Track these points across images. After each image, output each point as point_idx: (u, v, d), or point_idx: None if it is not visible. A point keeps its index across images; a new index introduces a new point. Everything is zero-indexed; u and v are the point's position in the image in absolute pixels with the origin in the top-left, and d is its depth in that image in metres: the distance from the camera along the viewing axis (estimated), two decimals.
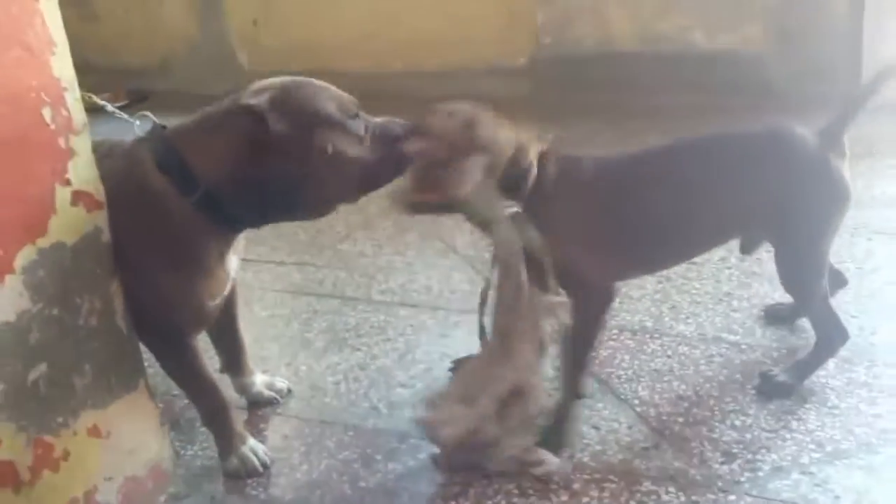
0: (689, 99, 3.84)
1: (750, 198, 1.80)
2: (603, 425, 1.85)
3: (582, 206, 1.76)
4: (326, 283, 2.63)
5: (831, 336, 1.92)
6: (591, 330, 1.80)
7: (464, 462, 1.72)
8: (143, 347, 1.70)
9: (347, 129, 1.63)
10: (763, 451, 1.72)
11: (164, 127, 1.68)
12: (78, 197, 1.48)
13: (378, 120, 1.70)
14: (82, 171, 1.48)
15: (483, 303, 1.76)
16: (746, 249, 2.00)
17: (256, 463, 1.78)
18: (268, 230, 2.92)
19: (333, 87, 1.67)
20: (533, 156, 1.75)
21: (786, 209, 1.81)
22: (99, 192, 1.52)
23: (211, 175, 1.58)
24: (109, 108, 1.79)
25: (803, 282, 1.89)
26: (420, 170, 1.67)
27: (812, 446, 1.72)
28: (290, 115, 1.57)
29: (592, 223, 1.76)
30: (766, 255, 2.50)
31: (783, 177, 1.79)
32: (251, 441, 1.81)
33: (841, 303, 2.20)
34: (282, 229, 3.01)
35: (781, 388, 1.89)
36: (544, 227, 1.71)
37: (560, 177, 1.76)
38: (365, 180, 1.68)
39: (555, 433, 1.79)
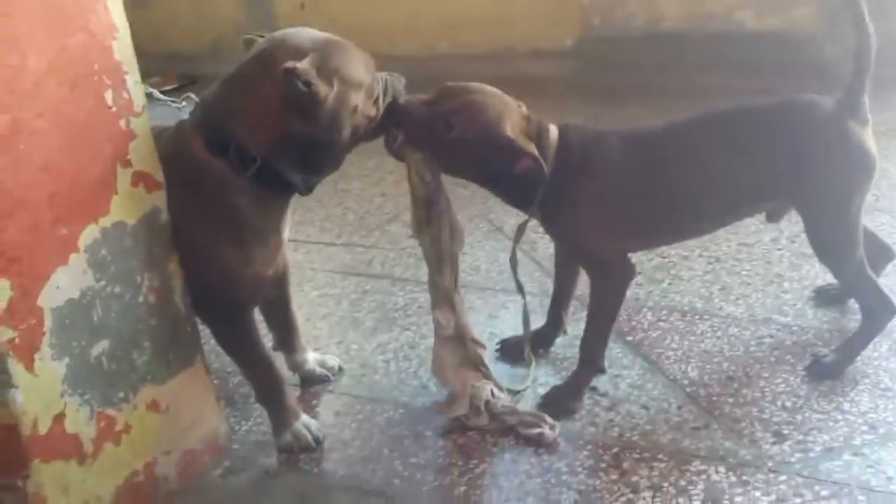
0: (737, 80, 3.79)
1: (771, 169, 1.81)
2: (653, 405, 1.85)
3: (607, 180, 1.80)
4: (375, 263, 2.66)
5: (876, 310, 1.90)
6: (611, 306, 1.87)
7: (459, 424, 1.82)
8: (200, 325, 1.74)
9: (372, 91, 1.70)
10: (814, 432, 1.72)
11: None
12: (138, 177, 1.51)
13: (386, 76, 1.76)
14: (142, 152, 1.52)
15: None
16: (773, 218, 2.00)
17: (310, 438, 1.81)
18: (317, 211, 2.99)
19: (356, 47, 1.71)
20: (553, 134, 1.80)
21: (808, 178, 1.81)
22: (158, 172, 1.56)
23: (261, 143, 1.62)
24: (155, 94, 1.82)
25: (834, 251, 1.88)
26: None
27: (864, 428, 1.72)
28: (330, 77, 1.61)
29: (610, 199, 1.81)
30: None
31: (803, 146, 1.80)
32: (304, 417, 1.84)
33: (892, 282, 2.18)
34: (330, 211, 3.05)
35: (831, 368, 1.89)
36: (562, 207, 1.79)
37: (583, 153, 1.80)
38: (377, 130, 1.77)
39: (559, 399, 1.86)
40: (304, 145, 1.65)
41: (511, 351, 2.06)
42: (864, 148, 1.81)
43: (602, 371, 1.91)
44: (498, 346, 2.08)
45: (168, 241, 1.60)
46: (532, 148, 1.73)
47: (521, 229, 1.88)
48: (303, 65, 1.57)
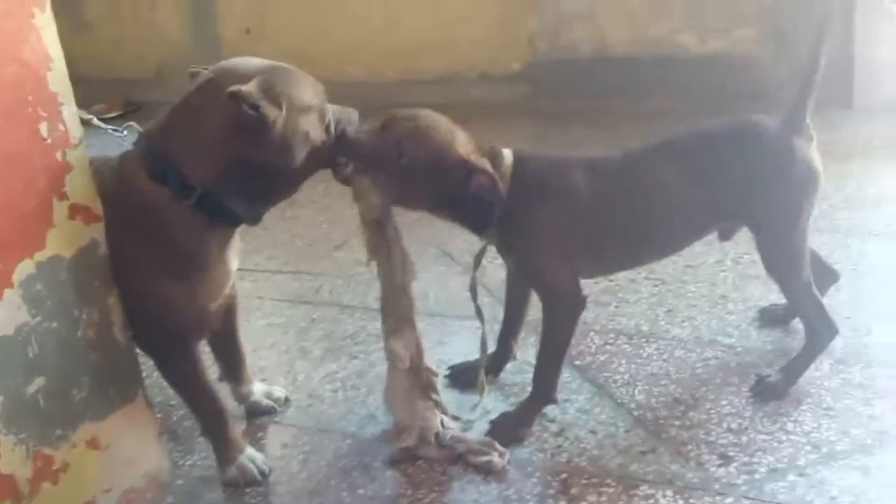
0: (682, 103, 3.86)
1: (725, 190, 1.85)
2: (600, 429, 1.86)
3: (565, 206, 1.81)
4: (323, 291, 2.64)
5: (820, 330, 1.93)
6: (564, 334, 1.86)
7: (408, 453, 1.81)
8: (141, 357, 1.71)
9: (322, 115, 1.69)
10: (759, 453, 1.73)
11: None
12: (75, 210, 1.48)
13: (338, 108, 1.76)
14: (79, 184, 1.49)
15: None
16: (725, 236, 2.04)
17: (255, 472, 1.78)
18: (264, 239, 2.96)
19: (303, 72, 1.69)
20: (507, 158, 1.80)
21: (757, 197, 1.86)
22: (96, 204, 1.53)
23: (205, 172, 1.60)
24: (95, 121, 1.79)
25: (784, 266, 1.92)
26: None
27: (808, 448, 1.73)
28: (277, 100, 1.58)
29: (567, 226, 1.81)
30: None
31: (752, 165, 1.84)
32: (249, 450, 1.81)
33: (835, 303, 2.22)
34: (277, 238, 3.03)
35: (775, 389, 1.91)
36: (519, 232, 1.80)
37: (540, 177, 1.81)
38: (327, 160, 1.74)
39: (508, 427, 1.85)
40: (253, 173, 1.62)
41: (461, 377, 2.05)
42: (810, 164, 1.86)
43: (554, 401, 1.89)
44: (448, 372, 2.07)
45: (107, 274, 1.56)
46: (486, 164, 1.73)
47: (479, 255, 1.89)
48: (248, 87, 1.55)
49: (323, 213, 3.23)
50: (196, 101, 1.63)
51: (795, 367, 1.94)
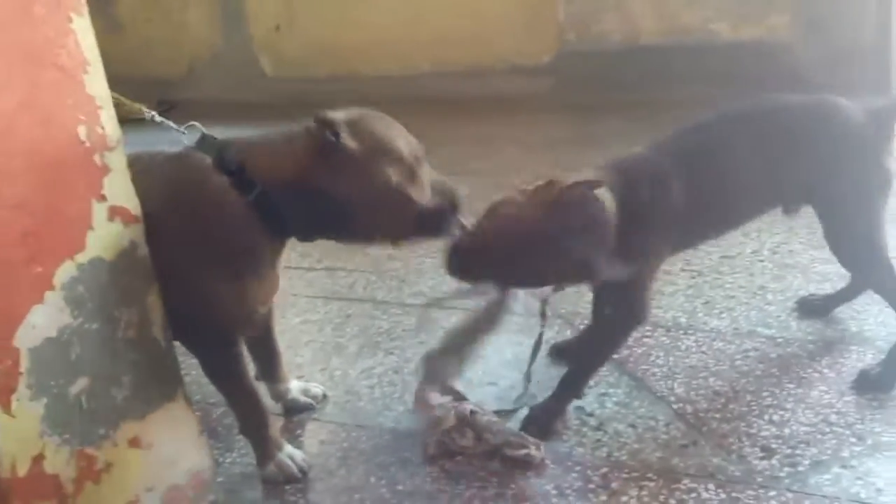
0: (715, 91, 3.81)
1: (796, 166, 1.82)
2: (640, 423, 1.84)
3: (657, 222, 1.77)
4: (357, 287, 2.65)
5: None
6: (617, 345, 1.89)
7: (445, 448, 1.80)
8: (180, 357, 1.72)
9: (414, 172, 1.66)
10: (802, 445, 1.71)
11: (213, 138, 1.70)
12: (114, 212, 1.49)
13: (439, 175, 1.72)
14: (117, 186, 1.50)
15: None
16: (789, 210, 1.98)
17: (294, 469, 1.79)
18: None
19: (402, 127, 1.69)
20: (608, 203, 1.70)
21: (830, 178, 1.83)
22: (135, 206, 1.54)
23: (269, 176, 1.61)
24: (157, 118, 1.80)
25: (856, 256, 1.90)
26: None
27: (853, 440, 1.71)
28: (363, 136, 1.60)
29: (664, 234, 1.79)
30: (798, 246, 2.50)
31: (830, 146, 1.81)
32: (288, 447, 1.82)
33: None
34: None
35: (880, 381, 1.85)
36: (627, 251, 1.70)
37: (634, 202, 1.73)
38: (418, 226, 1.69)
39: (541, 421, 1.83)
40: (323, 197, 1.62)
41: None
42: (885, 161, 1.84)
43: (579, 398, 1.89)
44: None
45: (147, 274, 1.57)
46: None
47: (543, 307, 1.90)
48: (335, 115, 1.58)
49: None
50: (291, 129, 1.66)
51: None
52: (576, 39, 4.46)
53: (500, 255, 1.66)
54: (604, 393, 1.95)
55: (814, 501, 1.56)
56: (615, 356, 2.07)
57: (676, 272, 2.47)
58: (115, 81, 1.51)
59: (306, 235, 1.71)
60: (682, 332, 2.17)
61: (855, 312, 2.15)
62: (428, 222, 1.69)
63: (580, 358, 1.88)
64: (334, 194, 1.61)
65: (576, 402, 1.90)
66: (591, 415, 1.88)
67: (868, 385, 1.86)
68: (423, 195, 1.67)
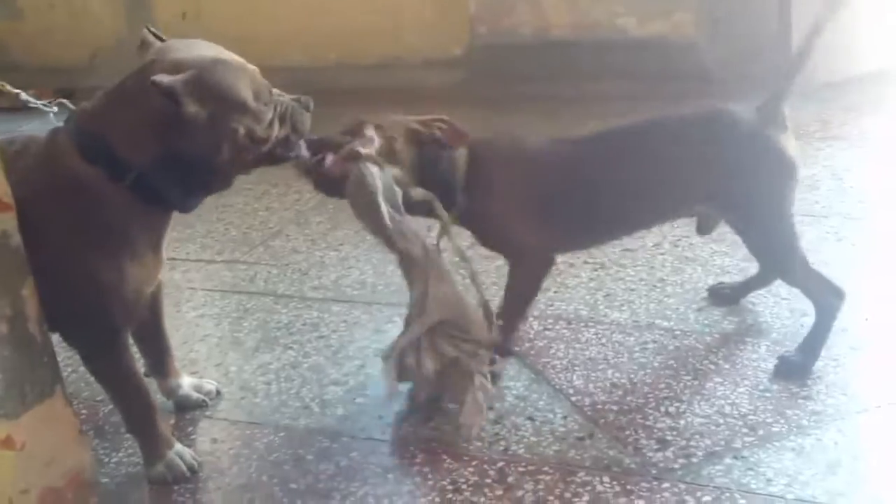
0: (623, 86, 3.85)
1: (695, 178, 1.88)
2: (538, 416, 1.83)
3: (514, 177, 1.91)
4: (258, 280, 2.58)
5: (828, 301, 1.92)
6: (528, 292, 1.98)
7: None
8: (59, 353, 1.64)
9: (259, 115, 1.63)
10: (697, 436, 1.72)
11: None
12: None
13: (286, 99, 1.70)
14: None
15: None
16: (703, 230, 2.07)
17: (183, 468, 1.73)
18: (197, 228, 2.89)
19: (249, 66, 1.63)
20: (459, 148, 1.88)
21: (734, 187, 1.87)
22: (6, 193, 1.45)
23: (139, 155, 1.55)
24: (23, 96, 1.73)
25: (774, 254, 1.96)
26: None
27: (745, 430, 1.73)
28: (205, 98, 1.53)
29: (526, 192, 1.90)
30: (697, 240, 2.53)
31: (726, 156, 1.85)
32: (178, 446, 1.75)
33: (771, 285, 2.22)
34: (211, 227, 2.96)
35: (800, 367, 1.88)
36: (484, 202, 1.88)
37: (501, 159, 1.93)
38: (266, 157, 1.69)
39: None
40: (184, 163, 1.58)
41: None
42: (786, 153, 1.88)
43: (511, 353, 1.96)
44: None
45: (21, 266, 1.49)
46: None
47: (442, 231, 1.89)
48: (173, 80, 1.49)
49: (258, 200, 3.15)
50: (132, 84, 1.57)
51: (813, 342, 1.91)
52: (487, 32, 4.44)
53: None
54: (504, 386, 1.93)
55: (706, 492, 1.56)
56: (516, 348, 2.07)
57: (579, 265, 2.47)
58: (14, 69, 1.43)
59: (184, 201, 1.66)
60: (582, 324, 2.17)
61: (751, 305, 2.18)
62: (274, 153, 1.70)
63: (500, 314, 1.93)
64: (190, 157, 1.57)
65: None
66: (490, 408, 1.86)
67: (787, 372, 1.89)
68: (271, 132, 1.66)
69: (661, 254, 2.49)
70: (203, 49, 1.61)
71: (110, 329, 1.66)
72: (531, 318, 2.20)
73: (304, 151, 1.76)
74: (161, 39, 1.65)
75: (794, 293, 2.18)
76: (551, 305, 2.27)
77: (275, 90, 1.68)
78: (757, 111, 1.88)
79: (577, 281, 2.39)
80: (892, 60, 4.27)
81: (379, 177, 1.76)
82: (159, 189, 1.60)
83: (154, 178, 1.58)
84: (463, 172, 1.88)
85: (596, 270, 2.44)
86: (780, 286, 2.21)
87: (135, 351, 1.91)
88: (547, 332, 2.14)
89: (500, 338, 1.87)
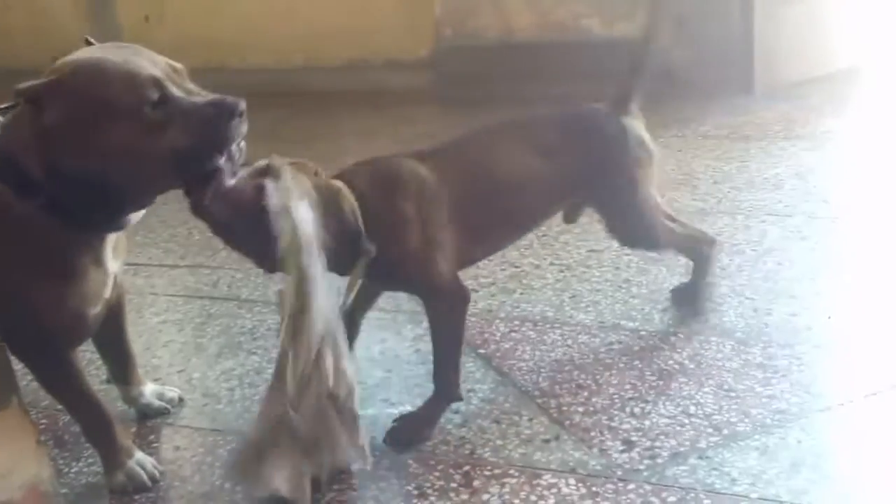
0: (588, 87, 3.84)
1: (561, 170, 1.91)
2: (504, 419, 1.82)
3: (411, 207, 1.72)
4: (221, 285, 2.55)
5: (701, 250, 2.11)
6: (454, 332, 1.79)
7: None
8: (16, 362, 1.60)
9: (142, 121, 1.43)
10: (662, 437, 1.72)
11: None
12: None
13: (198, 102, 1.47)
14: None
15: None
16: (570, 219, 2.10)
17: (144, 477, 1.69)
18: (160, 232, 2.86)
19: (142, 68, 1.44)
20: (346, 192, 1.66)
21: (598, 175, 1.95)
22: None
23: (39, 173, 1.45)
24: None
25: (639, 235, 2.05)
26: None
27: (710, 430, 1.73)
28: (66, 104, 1.39)
29: (421, 216, 1.73)
30: None
31: (589, 148, 1.93)
32: (138, 454, 1.72)
33: (736, 284, 2.25)
34: (175, 231, 2.92)
35: (691, 314, 2.12)
36: (398, 242, 1.70)
37: (379, 190, 1.71)
38: (170, 172, 1.48)
39: (412, 429, 1.77)
40: (80, 179, 1.45)
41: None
42: (642, 139, 2.00)
43: (458, 398, 1.82)
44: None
45: None
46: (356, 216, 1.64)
47: (353, 280, 1.74)
48: (29, 85, 1.38)
49: None
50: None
51: (697, 289, 2.14)
52: (452, 34, 4.45)
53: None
54: (470, 389, 1.92)
55: (671, 493, 1.56)
56: (482, 351, 2.06)
57: (545, 266, 2.47)
58: None
59: (104, 225, 1.55)
60: (548, 325, 2.17)
61: (715, 305, 2.19)
62: (187, 160, 1.46)
63: (435, 362, 1.81)
64: (77, 172, 1.44)
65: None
66: (456, 412, 1.85)
67: (684, 316, 2.12)
68: (160, 142, 1.44)
69: (627, 255, 2.49)
70: (106, 52, 1.48)
71: (53, 346, 1.61)
72: (497, 321, 2.20)
73: (224, 165, 1.48)
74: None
75: (760, 293, 2.21)
76: (517, 307, 2.26)
77: (195, 90, 1.48)
78: (611, 104, 1.99)
79: (542, 282, 2.39)
80: (856, 61, 4.33)
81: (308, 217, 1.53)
82: (73, 209, 1.49)
83: (64, 198, 1.47)
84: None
85: (562, 272, 2.44)
86: (743, 286, 2.22)
87: (97, 358, 1.90)
88: (513, 334, 2.14)
89: (445, 388, 1.79)
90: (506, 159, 1.87)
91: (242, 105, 1.47)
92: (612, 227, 2.04)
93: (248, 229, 1.54)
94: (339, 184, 1.66)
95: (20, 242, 1.50)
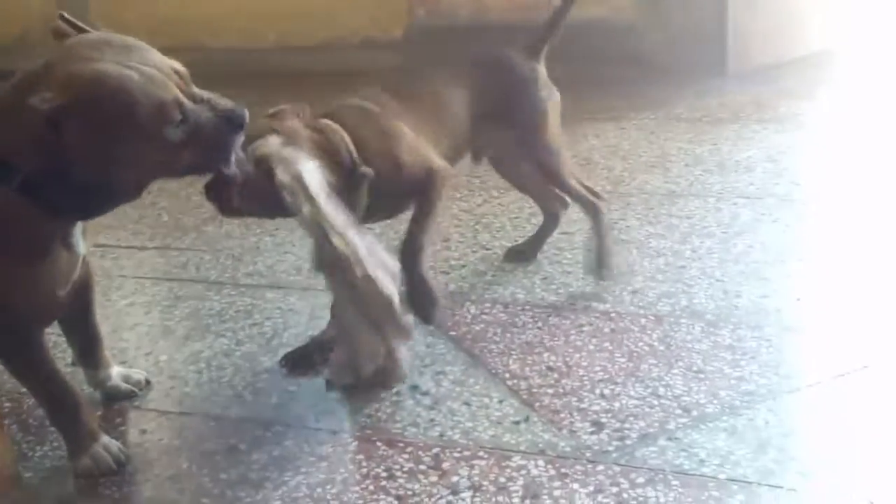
0: (561, 68, 3.84)
1: (485, 98, 2.13)
2: (474, 401, 1.82)
3: (393, 125, 1.95)
4: (189, 267, 2.53)
5: (593, 203, 2.27)
6: (440, 209, 1.96)
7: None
8: None
9: (159, 138, 1.45)
10: (631, 418, 1.72)
11: None
12: None
13: (206, 116, 1.49)
14: None
15: None
16: (476, 158, 2.25)
17: (110, 461, 1.67)
18: (128, 214, 2.82)
19: (155, 75, 1.45)
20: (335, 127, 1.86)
21: (514, 106, 2.18)
22: None
23: (20, 162, 1.43)
24: None
25: (547, 159, 2.23)
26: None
27: (679, 411, 1.73)
28: (87, 126, 1.38)
29: (406, 133, 1.96)
30: (634, 222, 2.55)
31: (505, 82, 2.18)
32: (104, 438, 1.70)
33: (706, 266, 2.26)
34: (143, 212, 2.89)
35: (597, 274, 2.27)
36: (382, 161, 1.88)
37: (362, 119, 1.92)
38: (175, 174, 1.57)
39: (421, 306, 1.89)
40: (75, 178, 1.44)
41: (298, 364, 1.99)
42: (548, 82, 2.25)
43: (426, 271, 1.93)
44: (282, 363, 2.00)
45: None
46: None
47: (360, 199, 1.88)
48: (50, 109, 1.34)
49: (192, 184, 3.06)
50: (22, 86, 1.42)
51: (601, 243, 2.26)
52: (425, 14, 4.42)
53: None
54: (440, 371, 1.92)
55: (640, 474, 1.56)
56: (453, 333, 2.06)
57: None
58: None
59: (81, 214, 1.55)
60: (519, 308, 2.16)
61: (686, 287, 2.20)
62: (191, 165, 1.52)
63: (418, 235, 1.92)
64: (78, 175, 1.43)
65: (411, 383, 1.86)
66: (426, 394, 1.85)
67: (590, 265, 2.27)
68: (175, 157, 1.48)
69: None
70: (113, 53, 1.44)
71: (20, 328, 1.59)
72: (468, 303, 2.19)
73: (232, 169, 1.56)
74: (78, 28, 1.51)
75: (730, 275, 2.22)
76: (488, 289, 2.26)
77: (203, 95, 1.50)
78: (524, 50, 2.24)
79: (514, 265, 2.38)
80: (829, 44, 4.35)
81: (313, 168, 1.71)
82: (59, 199, 1.47)
83: (43, 186, 1.45)
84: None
85: None
86: (713, 268, 2.23)
87: (62, 341, 1.87)
88: (483, 317, 2.13)
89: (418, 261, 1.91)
90: (438, 89, 2.09)
91: (247, 116, 1.53)
92: (521, 147, 2.23)
93: (275, 206, 1.71)
94: (326, 122, 1.85)
95: None
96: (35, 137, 1.39)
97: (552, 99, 2.24)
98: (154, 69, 1.45)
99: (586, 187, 2.28)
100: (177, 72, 1.49)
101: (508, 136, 2.21)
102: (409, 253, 1.89)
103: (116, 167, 1.45)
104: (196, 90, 1.51)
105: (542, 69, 2.26)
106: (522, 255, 2.43)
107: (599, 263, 2.24)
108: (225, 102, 1.52)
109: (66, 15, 1.53)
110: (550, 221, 2.43)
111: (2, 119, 1.45)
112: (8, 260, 1.50)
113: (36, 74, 1.43)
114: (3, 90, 1.47)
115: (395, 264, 1.78)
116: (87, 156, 1.41)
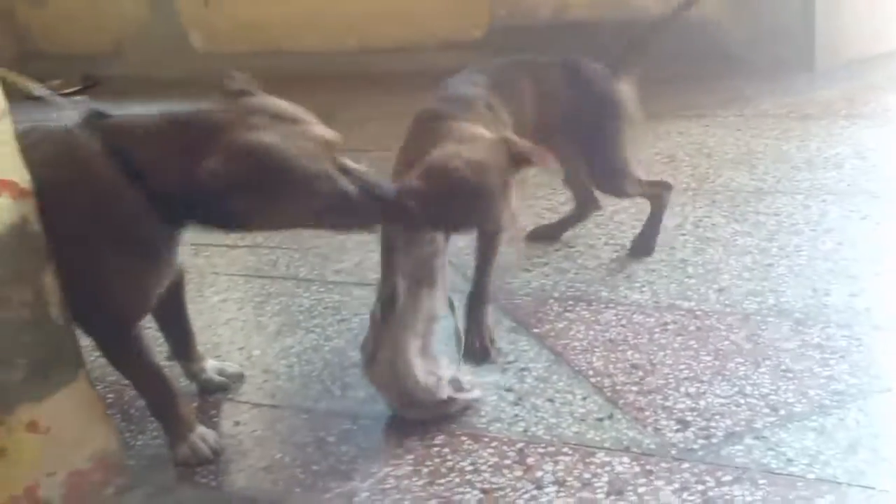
0: (647, 66, 3.81)
1: (563, 104, 2.18)
2: (558, 398, 1.83)
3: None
4: (280, 264, 2.59)
5: (659, 194, 2.36)
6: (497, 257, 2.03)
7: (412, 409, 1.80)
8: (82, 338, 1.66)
9: (306, 204, 1.57)
10: (717, 417, 1.71)
11: (101, 114, 1.62)
12: (2, 186, 1.42)
13: (350, 188, 1.58)
14: (5, 159, 1.43)
15: None
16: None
17: (207, 451, 1.75)
18: None
19: (311, 145, 1.56)
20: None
21: (588, 115, 2.19)
22: (24, 180, 1.47)
23: (162, 180, 1.55)
24: (37, 92, 1.73)
25: (610, 180, 2.30)
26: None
27: (766, 410, 1.72)
28: (247, 187, 1.50)
29: None
30: (720, 219, 2.53)
31: (584, 93, 2.20)
32: (201, 428, 1.77)
33: (794, 264, 2.22)
34: None
35: (643, 249, 2.39)
36: None
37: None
38: (326, 227, 1.70)
39: (473, 350, 1.96)
40: (217, 206, 1.55)
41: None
42: (623, 99, 2.24)
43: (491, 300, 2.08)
44: None
45: (41, 252, 1.50)
46: None
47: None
48: (227, 177, 1.48)
49: None
50: (191, 135, 1.54)
51: (652, 224, 2.38)
52: (506, 14, 4.43)
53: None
54: (524, 368, 1.94)
55: (726, 472, 1.56)
56: (536, 330, 2.07)
57: (600, 246, 2.47)
58: (38, 56, 1.44)
59: (206, 225, 1.64)
60: (602, 305, 2.17)
61: (774, 285, 2.17)
62: (337, 223, 1.66)
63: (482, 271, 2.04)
64: (229, 208, 1.55)
65: (496, 379, 1.89)
66: (509, 390, 1.87)
67: (635, 252, 2.38)
68: (322, 220, 1.63)
69: (683, 234, 2.47)
70: (275, 123, 1.55)
71: (121, 324, 1.68)
72: (551, 300, 2.20)
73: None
74: (242, 90, 1.62)
75: (819, 273, 2.18)
76: (571, 287, 2.27)
77: (350, 166, 1.59)
78: (608, 65, 2.26)
79: (597, 262, 2.39)
80: None
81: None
82: (177, 206, 1.58)
83: (175, 197, 1.56)
84: None
85: (616, 252, 2.43)
86: (802, 266, 2.20)
87: (160, 336, 1.95)
88: (567, 314, 2.14)
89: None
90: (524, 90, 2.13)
91: (392, 193, 1.62)
92: (589, 168, 2.28)
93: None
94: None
95: (114, 224, 1.58)
96: (196, 183, 1.49)
97: (630, 117, 2.25)
98: (310, 142, 1.56)
99: (651, 183, 2.35)
100: (328, 143, 1.59)
101: (574, 150, 2.24)
102: (476, 305, 2.02)
103: (261, 219, 1.60)
104: (346, 162, 1.61)
105: (624, 87, 2.26)
106: (547, 234, 2.54)
107: (648, 239, 2.38)
108: (370, 176, 1.61)
109: (235, 74, 1.65)
110: (581, 212, 2.53)
111: (165, 150, 1.56)
112: (123, 259, 1.60)
113: (207, 130, 1.54)
114: (166, 125, 1.58)
115: (447, 369, 1.81)
116: (240, 206, 1.53)
